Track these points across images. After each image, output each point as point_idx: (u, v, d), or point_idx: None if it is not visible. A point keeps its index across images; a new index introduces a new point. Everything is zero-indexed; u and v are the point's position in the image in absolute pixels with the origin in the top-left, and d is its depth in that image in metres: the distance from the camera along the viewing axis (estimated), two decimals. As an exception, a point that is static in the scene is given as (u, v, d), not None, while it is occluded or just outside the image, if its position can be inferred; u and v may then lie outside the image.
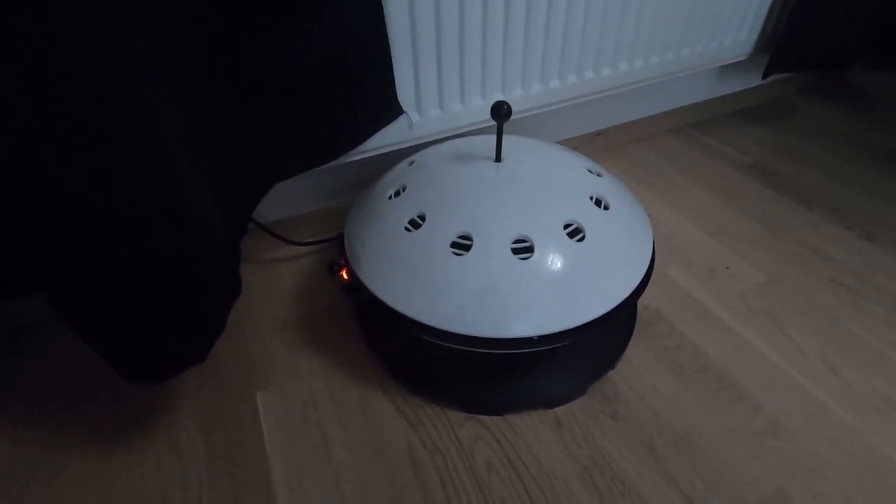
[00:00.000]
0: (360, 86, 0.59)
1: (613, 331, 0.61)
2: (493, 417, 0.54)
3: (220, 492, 0.49)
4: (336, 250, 0.58)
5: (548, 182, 0.54)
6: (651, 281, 0.53)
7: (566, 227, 0.50)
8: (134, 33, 0.40)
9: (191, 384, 0.58)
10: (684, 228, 0.79)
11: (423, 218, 0.51)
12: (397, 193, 0.56)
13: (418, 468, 0.50)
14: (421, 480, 0.49)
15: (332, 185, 0.76)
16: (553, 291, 0.48)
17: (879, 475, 0.49)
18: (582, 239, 0.50)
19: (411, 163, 0.59)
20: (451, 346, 0.48)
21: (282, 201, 0.73)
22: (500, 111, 0.50)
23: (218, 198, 0.53)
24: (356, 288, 0.53)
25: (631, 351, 0.60)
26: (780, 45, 0.92)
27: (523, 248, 0.48)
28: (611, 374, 0.58)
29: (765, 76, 0.96)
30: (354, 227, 0.57)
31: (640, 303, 0.65)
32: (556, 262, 0.48)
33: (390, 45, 0.59)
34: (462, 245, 0.49)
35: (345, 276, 0.56)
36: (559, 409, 0.54)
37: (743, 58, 0.94)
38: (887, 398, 0.55)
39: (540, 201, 0.52)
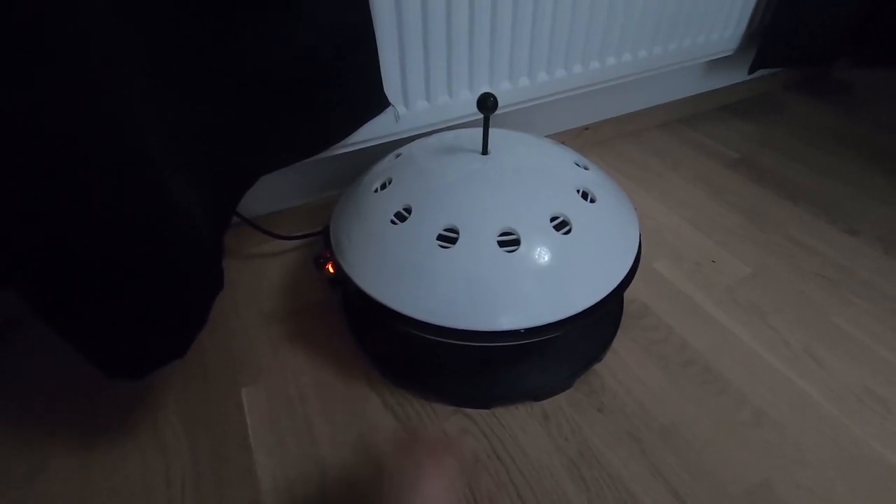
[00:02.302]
0: (346, 78, 0.58)
1: (600, 324, 0.61)
2: (480, 411, 0.54)
3: (204, 488, 0.48)
4: (322, 244, 0.57)
5: (534, 175, 0.54)
6: (638, 274, 0.53)
7: (553, 219, 0.50)
8: (114, 28, 0.39)
9: (175, 380, 0.57)
10: (671, 222, 0.80)
11: (409, 211, 0.51)
12: (383, 186, 0.55)
13: (405, 462, 0.50)
14: (407, 474, 0.49)
15: (318, 178, 0.75)
16: (540, 284, 0.48)
17: (862, 465, 0.50)
18: (568, 232, 0.49)
19: (398, 155, 0.59)
20: (438, 339, 0.48)
21: (267, 195, 0.72)
22: (487, 103, 0.49)
23: (201, 190, 0.53)
24: (342, 281, 0.53)
25: (618, 344, 0.60)
26: (767, 41, 0.92)
27: (510, 241, 0.48)
28: (598, 366, 0.58)
29: (751, 71, 0.96)
30: (340, 220, 0.57)
31: (628, 296, 0.66)
32: (542, 254, 0.48)
33: (376, 37, 0.59)
34: (448, 238, 0.48)
35: (331, 269, 0.55)
36: (546, 402, 0.54)
37: (730, 53, 0.94)
38: (870, 389, 0.56)
39: (526, 194, 0.51)
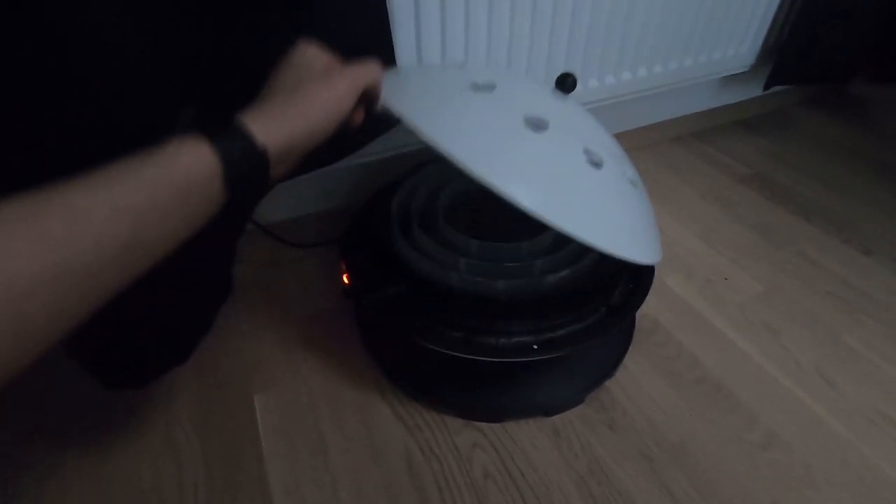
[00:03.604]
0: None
1: (612, 339, 0.61)
2: (491, 425, 0.54)
3: (215, 493, 0.49)
4: (337, 254, 0.58)
5: (603, 135, 0.53)
6: (650, 289, 0.54)
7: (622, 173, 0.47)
8: (124, 30, 0.39)
9: (188, 385, 0.58)
10: (684, 237, 0.80)
11: (491, 87, 0.45)
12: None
13: (415, 474, 0.50)
14: (418, 486, 0.49)
15: (335, 188, 0.76)
16: (597, 204, 0.43)
17: (873, 488, 0.49)
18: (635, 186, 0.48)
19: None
20: (451, 353, 0.48)
21: (283, 203, 0.73)
22: (565, 83, 0.48)
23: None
24: (355, 292, 0.54)
25: (629, 360, 0.60)
26: (783, 57, 0.92)
27: (592, 161, 0.44)
28: (608, 383, 0.58)
29: (766, 87, 0.96)
30: (398, 75, 0.48)
31: (639, 311, 0.65)
32: (616, 187, 0.45)
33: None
34: (534, 124, 0.43)
35: (345, 280, 0.56)
36: (557, 418, 0.55)
37: (745, 69, 0.94)
38: (881, 411, 0.56)
39: (601, 139, 0.50)
